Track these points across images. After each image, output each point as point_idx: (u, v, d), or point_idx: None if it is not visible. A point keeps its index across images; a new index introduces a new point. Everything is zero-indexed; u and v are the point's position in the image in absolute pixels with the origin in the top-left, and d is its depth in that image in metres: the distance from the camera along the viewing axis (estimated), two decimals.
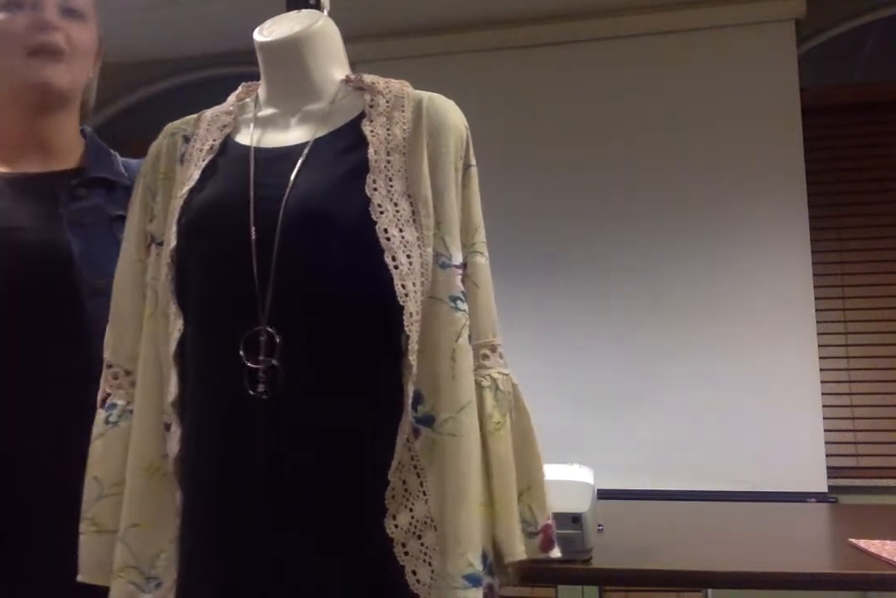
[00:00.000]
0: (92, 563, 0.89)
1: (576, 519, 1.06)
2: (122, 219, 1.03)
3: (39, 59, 1.07)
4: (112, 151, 1.20)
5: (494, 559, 0.85)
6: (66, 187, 1.09)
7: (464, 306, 0.87)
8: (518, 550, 0.85)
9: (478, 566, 0.80)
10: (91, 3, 1.15)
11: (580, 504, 1.09)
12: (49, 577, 0.95)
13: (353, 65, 1.03)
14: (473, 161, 0.95)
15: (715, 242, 2.61)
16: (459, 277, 0.88)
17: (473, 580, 0.79)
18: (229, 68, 2.99)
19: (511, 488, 0.87)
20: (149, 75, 3.17)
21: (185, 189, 0.90)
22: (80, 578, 0.88)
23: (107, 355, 0.95)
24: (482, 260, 0.92)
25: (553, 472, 1.15)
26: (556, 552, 0.89)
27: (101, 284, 1.02)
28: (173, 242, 0.88)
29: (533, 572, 0.92)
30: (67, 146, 1.16)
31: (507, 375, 0.91)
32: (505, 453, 0.87)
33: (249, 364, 0.81)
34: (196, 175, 0.91)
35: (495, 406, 0.88)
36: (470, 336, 0.87)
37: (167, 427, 0.87)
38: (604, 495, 1.29)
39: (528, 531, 0.87)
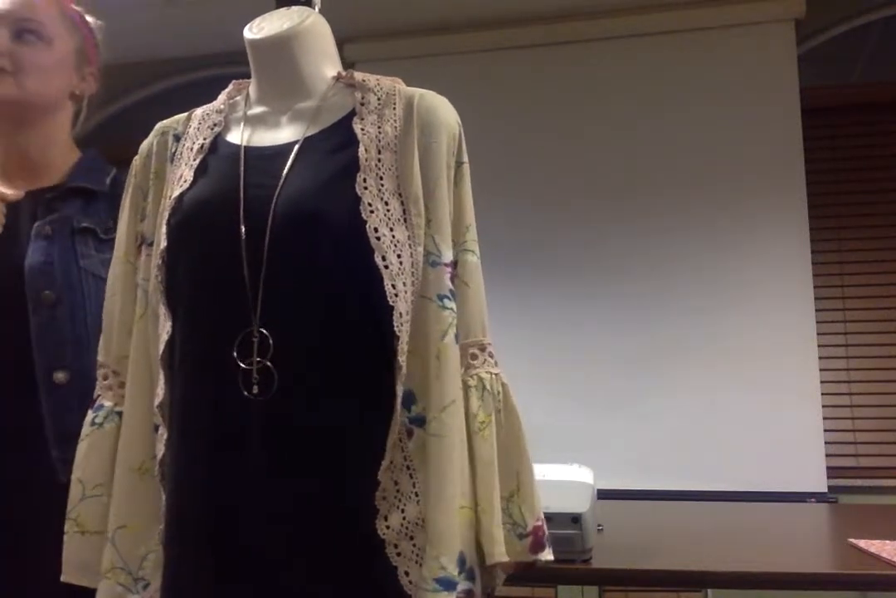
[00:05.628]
0: (75, 563, 0.88)
1: (575, 519, 1.06)
2: (88, 231, 1.09)
3: None
4: (112, 167, 1.21)
5: (479, 562, 0.83)
6: (44, 202, 1.11)
7: (451, 305, 0.86)
8: (497, 551, 0.83)
9: (451, 570, 0.78)
10: (56, 24, 1.16)
11: (580, 504, 1.09)
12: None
13: (353, 65, 1.04)
14: (466, 158, 0.93)
15: (714, 242, 2.60)
16: (449, 275, 0.87)
17: (445, 584, 0.77)
18: (229, 68, 2.98)
19: (493, 489, 0.85)
20: (148, 75, 3.17)
21: (177, 190, 0.89)
22: (63, 578, 0.88)
23: (99, 355, 0.95)
24: (473, 258, 0.91)
25: (553, 472, 1.15)
26: (546, 555, 0.87)
27: (49, 296, 1.03)
28: (163, 243, 0.87)
29: (532, 572, 0.91)
30: (53, 162, 1.17)
31: (496, 374, 0.89)
32: (488, 453, 0.85)
33: (243, 365, 0.80)
34: (188, 175, 0.90)
35: (480, 406, 0.86)
36: (457, 335, 0.86)
37: (157, 429, 0.87)
38: (604, 495, 1.29)
39: (517, 533, 0.86)
